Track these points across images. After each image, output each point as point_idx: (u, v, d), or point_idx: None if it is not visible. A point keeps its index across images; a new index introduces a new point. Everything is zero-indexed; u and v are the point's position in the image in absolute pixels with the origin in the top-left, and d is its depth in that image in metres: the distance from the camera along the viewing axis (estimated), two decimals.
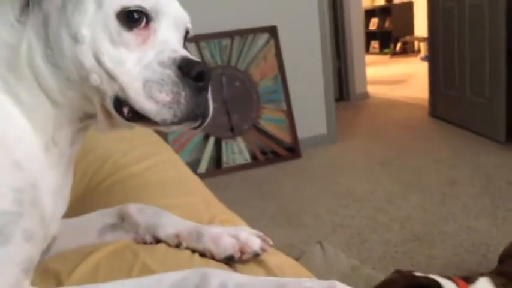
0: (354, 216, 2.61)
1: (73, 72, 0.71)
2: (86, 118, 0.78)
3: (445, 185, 2.90)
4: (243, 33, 3.57)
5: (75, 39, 0.69)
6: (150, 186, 1.08)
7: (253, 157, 3.62)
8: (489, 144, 3.51)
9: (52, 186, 0.75)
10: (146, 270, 0.75)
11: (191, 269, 0.67)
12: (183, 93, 0.69)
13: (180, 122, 0.70)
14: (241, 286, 0.64)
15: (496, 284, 1.36)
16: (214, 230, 0.85)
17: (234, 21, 3.53)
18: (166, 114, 0.69)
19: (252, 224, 1.00)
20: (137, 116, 0.71)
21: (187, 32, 0.81)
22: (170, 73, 0.70)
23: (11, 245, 0.64)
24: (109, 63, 0.70)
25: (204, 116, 0.74)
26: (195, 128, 0.75)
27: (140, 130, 1.50)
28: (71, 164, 0.82)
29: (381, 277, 1.88)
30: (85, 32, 0.69)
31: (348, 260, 1.96)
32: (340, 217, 2.62)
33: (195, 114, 0.71)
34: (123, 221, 0.90)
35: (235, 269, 0.79)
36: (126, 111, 0.71)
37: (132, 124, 0.73)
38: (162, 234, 0.87)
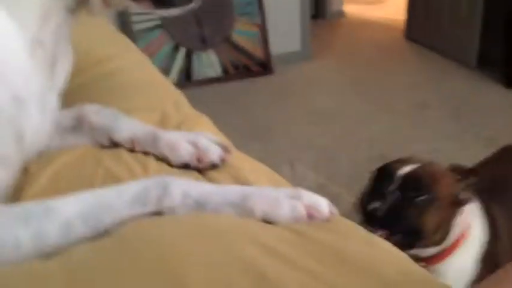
0: (323, 134, 2.61)
1: None
2: (79, 3, 0.71)
3: (415, 108, 2.91)
4: None
5: None
6: (117, 89, 1.00)
7: (225, 71, 3.53)
8: (462, 69, 3.50)
9: (37, 96, 0.68)
10: (109, 177, 0.70)
11: (152, 178, 0.63)
12: None
13: None
14: (204, 195, 0.61)
15: None
16: (173, 135, 0.80)
17: None
18: None
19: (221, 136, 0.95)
20: None
21: None
22: None
23: None
24: None
25: None
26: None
27: (106, 30, 1.40)
28: (56, 65, 0.75)
29: (347, 196, 1.90)
30: None
31: (316, 179, 1.98)
32: (310, 135, 2.62)
33: None
34: (81, 123, 0.84)
35: (207, 175, 0.74)
36: None
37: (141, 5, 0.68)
38: (117, 137, 0.82)
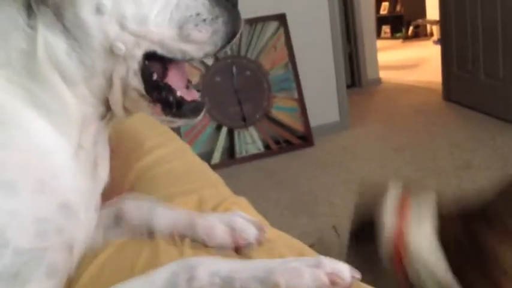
0: None
1: (99, 53, 0.69)
2: (108, 111, 0.76)
3: (461, 169, 2.86)
4: (252, 22, 3.54)
5: (98, 11, 0.67)
6: (159, 177, 1.07)
7: (266, 146, 3.61)
8: (504, 126, 3.45)
9: (84, 200, 0.71)
10: (151, 265, 0.73)
11: (178, 261, 0.65)
12: (220, 20, 0.70)
13: (221, 48, 0.71)
14: (230, 273, 0.62)
15: None
16: (208, 220, 0.81)
17: (243, 9, 3.49)
18: (208, 48, 0.70)
19: (266, 213, 0.98)
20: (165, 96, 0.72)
21: None
22: (204, 2, 0.69)
23: (30, 286, 0.60)
24: (133, 25, 0.68)
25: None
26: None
27: (150, 121, 1.49)
28: (99, 167, 0.79)
29: None
30: (105, 0, 0.67)
31: None
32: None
33: (233, 33, 0.72)
34: (120, 220, 0.86)
35: (242, 252, 0.77)
36: (156, 75, 0.71)
37: (153, 109, 0.73)
38: (157, 230, 0.83)
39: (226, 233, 0.78)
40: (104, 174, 0.81)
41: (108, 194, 0.85)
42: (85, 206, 0.72)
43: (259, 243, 0.79)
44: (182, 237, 0.82)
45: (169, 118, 0.74)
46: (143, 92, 0.72)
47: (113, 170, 0.84)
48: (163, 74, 0.74)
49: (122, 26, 0.68)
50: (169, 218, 0.85)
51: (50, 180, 0.65)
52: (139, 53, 0.69)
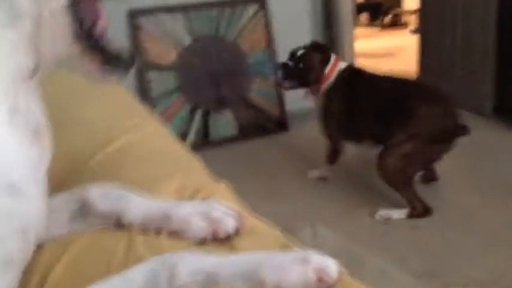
0: (342, 189, 2.61)
1: None
2: (38, 67, 0.68)
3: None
4: (231, 4, 3.50)
5: None
6: (135, 161, 1.03)
7: (241, 130, 3.59)
8: (476, 118, 3.49)
9: (30, 171, 0.63)
10: (129, 258, 0.70)
11: (157, 258, 0.62)
12: None
13: None
14: (213, 270, 0.60)
15: None
16: (183, 210, 0.77)
17: None
18: None
19: (239, 198, 0.96)
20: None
21: None
22: None
23: None
24: None
25: None
26: None
27: (125, 101, 1.45)
28: (42, 136, 0.70)
29: (370, 256, 1.90)
30: None
31: (337, 240, 1.97)
32: (329, 190, 2.61)
33: None
34: (86, 209, 0.79)
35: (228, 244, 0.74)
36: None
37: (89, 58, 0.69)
38: (127, 221, 0.78)
39: (203, 225, 0.74)
40: (48, 145, 0.72)
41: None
42: (34, 182, 0.64)
43: (239, 234, 0.75)
44: (156, 229, 0.77)
45: (106, 69, 0.71)
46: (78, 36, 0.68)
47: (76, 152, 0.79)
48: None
49: None
50: (141, 208, 0.79)
51: None
52: None
